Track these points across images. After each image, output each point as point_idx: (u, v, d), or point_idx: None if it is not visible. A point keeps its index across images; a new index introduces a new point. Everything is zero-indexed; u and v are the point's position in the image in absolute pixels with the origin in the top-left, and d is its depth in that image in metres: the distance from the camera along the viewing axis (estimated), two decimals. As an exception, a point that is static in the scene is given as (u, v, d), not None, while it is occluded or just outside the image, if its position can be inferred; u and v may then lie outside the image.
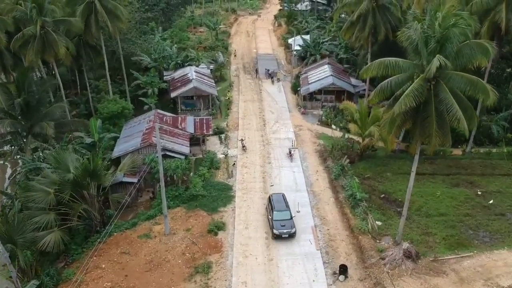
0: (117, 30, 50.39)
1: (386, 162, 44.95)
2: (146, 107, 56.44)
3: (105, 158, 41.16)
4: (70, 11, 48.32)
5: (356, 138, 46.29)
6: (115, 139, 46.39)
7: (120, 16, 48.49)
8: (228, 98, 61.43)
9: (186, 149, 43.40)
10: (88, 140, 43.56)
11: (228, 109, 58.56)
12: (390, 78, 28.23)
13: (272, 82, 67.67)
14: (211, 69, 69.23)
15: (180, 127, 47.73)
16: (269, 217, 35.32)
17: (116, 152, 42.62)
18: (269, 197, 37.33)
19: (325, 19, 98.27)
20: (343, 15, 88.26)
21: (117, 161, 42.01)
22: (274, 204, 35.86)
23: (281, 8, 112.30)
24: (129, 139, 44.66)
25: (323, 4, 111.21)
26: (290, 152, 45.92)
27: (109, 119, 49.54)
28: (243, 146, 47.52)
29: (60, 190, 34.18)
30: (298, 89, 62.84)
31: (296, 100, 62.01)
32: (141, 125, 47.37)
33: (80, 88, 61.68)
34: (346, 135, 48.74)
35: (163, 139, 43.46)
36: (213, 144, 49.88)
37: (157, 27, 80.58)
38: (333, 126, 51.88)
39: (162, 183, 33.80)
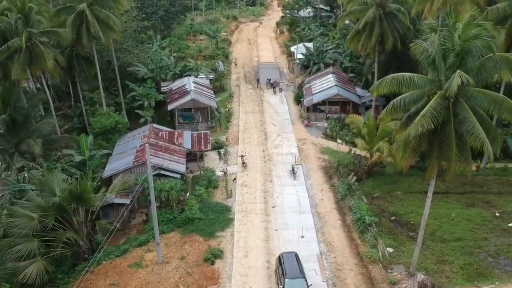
0: (110, 40, 47.86)
1: (395, 180, 42.09)
2: (142, 120, 53.88)
3: (95, 178, 38.58)
4: (61, 21, 45.83)
5: (363, 153, 43.42)
6: (109, 155, 43.84)
7: (113, 26, 45.95)
8: (228, 110, 58.82)
9: (182, 168, 40.72)
10: (78, 158, 40.92)
11: (228, 121, 55.92)
12: (404, 95, 25.48)
13: (274, 92, 65.03)
14: (210, 79, 66.72)
15: (177, 143, 45.08)
16: (279, 287, 28.39)
17: (107, 172, 39.95)
18: (279, 257, 30.36)
19: (328, 26, 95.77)
20: (347, 22, 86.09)
21: (109, 180, 39.42)
22: (286, 269, 28.85)
23: (283, 15, 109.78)
24: (121, 157, 42.01)
25: (326, 10, 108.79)
26: (293, 169, 43.16)
27: (102, 134, 46.96)
28: (243, 163, 44.80)
29: (44, 215, 31.57)
30: (301, 99, 60.17)
31: (299, 111, 59.31)
32: (135, 141, 44.75)
33: (74, 100, 59.21)
34: (353, 150, 46.05)
35: (157, 156, 40.88)
36: (212, 159, 47.20)
37: (155, 36, 78.24)
38: (339, 140, 49.09)
39: (154, 210, 31.02)
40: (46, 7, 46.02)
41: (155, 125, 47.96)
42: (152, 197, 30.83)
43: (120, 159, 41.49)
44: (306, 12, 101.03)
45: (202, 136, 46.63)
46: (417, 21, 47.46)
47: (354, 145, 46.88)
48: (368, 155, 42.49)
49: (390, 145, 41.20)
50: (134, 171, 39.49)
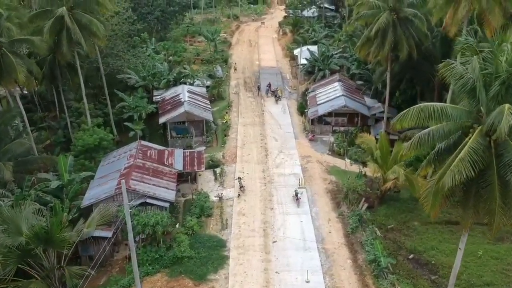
0: (95, 47, 43.25)
1: (411, 207, 37.40)
2: (131, 133, 49.32)
3: (71, 210, 34.07)
4: (38, 28, 41.17)
5: (376, 174, 38.59)
6: (91, 178, 39.33)
7: (97, 32, 41.26)
8: (226, 122, 54.09)
9: (171, 195, 36.11)
10: (55, 183, 36.31)
11: (225, 135, 51.18)
12: (432, 129, 20.76)
13: (276, 101, 60.23)
14: (208, 86, 62.07)
15: (167, 163, 40.49)
16: None
17: (86, 200, 35.36)
18: None
19: (334, 27, 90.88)
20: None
21: (90, 208, 34.91)
22: None
23: (286, 14, 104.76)
24: (104, 181, 37.43)
25: (331, 10, 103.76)
26: (296, 195, 38.47)
27: (85, 152, 42.37)
28: (241, 187, 40.10)
29: (6, 258, 27.06)
30: (305, 110, 55.43)
31: (302, 123, 54.55)
32: (120, 161, 40.18)
33: (59, 110, 54.56)
34: (363, 170, 41.42)
35: (143, 182, 36.33)
36: (207, 180, 42.60)
37: (149, 39, 73.52)
38: (347, 160, 44.30)
39: (134, 256, 26.40)
40: (18, 13, 41.27)
41: (143, 142, 43.32)
42: (131, 241, 26.21)
43: (102, 184, 36.90)
44: (310, 12, 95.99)
45: (196, 155, 42.01)
46: (435, 27, 42.52)
47: (365, 164, 42.33)
48: (380, 177, 37.79)
49: (407, 168, 36.88)
50: (116, 199, 34.96)
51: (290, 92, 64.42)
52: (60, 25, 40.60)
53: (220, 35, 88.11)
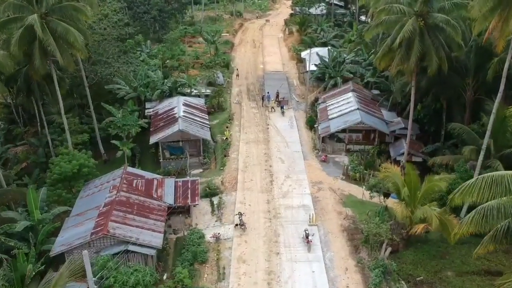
0: (72, 60, 37.58)
1: (443, 252, 31.47)
2: (119, 153, 43.68)
3: (39, 259, 28.55)
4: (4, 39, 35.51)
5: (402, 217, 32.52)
6: (67, 213, 33.82)
7: (74, 42, 35.47)
8: (226, 139, 48.29)
9: (157, 239, 30.39)
10: (21, 224, 30.69)
11: (225, 155, 45.36)
12: (504, 203, 14.87)
13: (282, 112, 54.26)
14: (207, 95, 56.23)
15: (155, 196, 34.81)
16: None
17: (57, 246, 29.73)
18: None
19: (343, 25, 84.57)
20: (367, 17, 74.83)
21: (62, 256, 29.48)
22: None
23: (292, 12, 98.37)
24: (80, 221, 31.77)
25: (340, 6, 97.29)
26: (307, 236, 32.66)
27: (62, 181, 36.76)
28: (242, 225, 34.30)
29: None
30: (316, 125, 49.55)
31: (312, 139, 48.64)
32: (102, 193, 34.55)
33: (41, 125, 48.85)
34: (384, 201, 35.66)
35: (126, 223, 30.66)
36: (202, 213, 36.93)
37: (145, 41, 67.60)
38: (365, 189, 38.31)
39: None
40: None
41: (130, 169, 37.56)
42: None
43: (78, 225, 31.28)
44: (318, 10, 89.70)
45: (189, 185, 36.25)
46: (471, 35, 36.38)
47: (387, 194, 36.56)
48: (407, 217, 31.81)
49: (437, 204, 31.12)
50: (93, 245, 29.42)
51: (297, 101, 58.43)
52: (32, 35, 34.81)
53: (222, 35, 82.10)
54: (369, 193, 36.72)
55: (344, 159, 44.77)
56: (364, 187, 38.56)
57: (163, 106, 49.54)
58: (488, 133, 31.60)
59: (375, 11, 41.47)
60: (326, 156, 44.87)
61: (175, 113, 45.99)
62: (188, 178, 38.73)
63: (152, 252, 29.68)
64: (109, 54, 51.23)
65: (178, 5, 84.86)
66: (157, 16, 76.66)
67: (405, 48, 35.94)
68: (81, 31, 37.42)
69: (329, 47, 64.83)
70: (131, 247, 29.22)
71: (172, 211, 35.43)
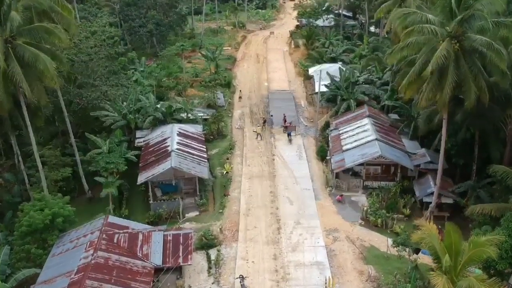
0: (44, 91, 32.09)
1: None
2: (103, 193, 38.08)
3: None
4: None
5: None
6: (35, 277, 28.18)
7: (45, 71, 29.94)
8: (227, 172, 42.60)
9: (140, 318, 24.69)
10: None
11: (225, 194, 39.62)
12: None
13: (290, 140, 48.52)
14: (205, 119, 50.60)
15: (140, 254, 29.08)
16: None
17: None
18: None
19: (353, 38, 79.00)
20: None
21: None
22: None
23: (298, 24, 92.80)
24: (50, 286, 26.14)
25: (349, 17, 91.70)
26: (323, 308, 26.85)
27: (33, 234, 31.12)
28: (244, 291, 28.56)
29: None
30: (328, 157, 43.83)
31: (324, 173, 42.87)
32: (76, 251, 28.97)
33: (18, 158, 43.13)
34: (415, 258, 29.86)
35: (100, 298, 24.92)
36: (197, 271, 31.18)
37: (139, 58, 62.06)
38: (390, 242, 32.33)
39: None
40: None
41: (112, 219, 31.81)
42: None
43: (44, 297, 25.64)
44: (326, 22, 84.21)
45: (181, 240, 30.50)
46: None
47: (417, 250, 30.73)
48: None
49: (484, 273, 25.31)
50: (60, 327, 23.73)
51: (306, 126, 52.67)
52: (-7, 62, 29.35)
53: (224, 49, 76.56)
54: (396, 250, 30.73)
55: (361, 198, 39.02)
56: (388, 238, 32.66)
57: (155, 135, 43.91)
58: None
59: (398, 31, 35.63)
60: (342, 195, 39.04)
61: (168, 146, 40.35)
62: (180, 230, 32.90)
63: (133, 335, 23.97)
64: (97, 75, 45.89)
65: (177, 17, 79.40)
66: (153, 30, 71.26)
67: (437, 76, 30.17)
68: (55, 56, 32.08)
69: (340, 64, 59.25)
70: (106, 331, 23.54)
71: (161, 269, 29.75)
